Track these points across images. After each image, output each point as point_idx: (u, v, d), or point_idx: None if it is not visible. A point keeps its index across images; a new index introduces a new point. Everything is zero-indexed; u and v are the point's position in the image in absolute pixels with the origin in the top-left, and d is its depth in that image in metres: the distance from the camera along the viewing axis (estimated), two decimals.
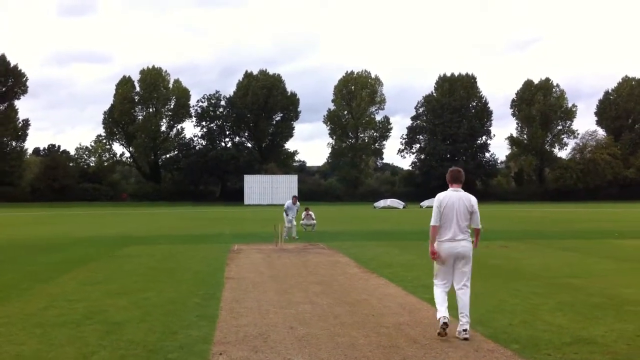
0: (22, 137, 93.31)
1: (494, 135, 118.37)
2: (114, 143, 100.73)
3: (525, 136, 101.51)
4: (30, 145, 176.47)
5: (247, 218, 41.62)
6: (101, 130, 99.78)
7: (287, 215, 22.16)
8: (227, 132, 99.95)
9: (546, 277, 11.43)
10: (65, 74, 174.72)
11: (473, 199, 7.30)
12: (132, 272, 12.46)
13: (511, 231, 25.33)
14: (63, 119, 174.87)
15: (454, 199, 7.23)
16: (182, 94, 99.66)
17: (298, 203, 23.23)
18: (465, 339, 6.60)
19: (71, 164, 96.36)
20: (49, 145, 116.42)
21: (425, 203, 71.72)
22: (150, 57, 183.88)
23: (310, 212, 25.91)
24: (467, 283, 7.08)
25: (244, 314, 8.03)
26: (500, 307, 8.43)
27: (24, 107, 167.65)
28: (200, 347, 6.27)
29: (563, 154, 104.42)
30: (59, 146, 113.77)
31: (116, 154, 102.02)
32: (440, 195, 7.33)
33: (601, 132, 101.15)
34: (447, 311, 6.85)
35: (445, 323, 6.73)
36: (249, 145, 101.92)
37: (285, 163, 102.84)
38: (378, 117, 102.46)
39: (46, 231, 26.99)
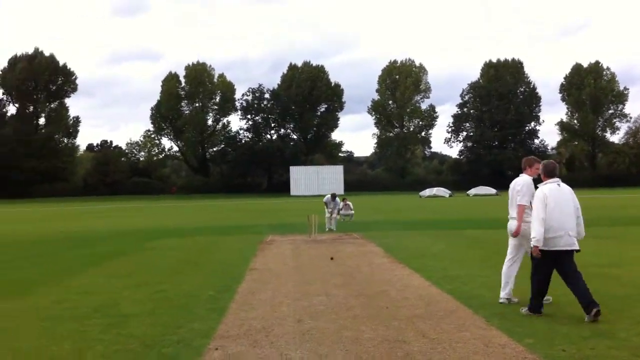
0: (74, 134, 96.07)
1: (543, 121, 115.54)
2: (163, 138, 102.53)
3: (575, 121, 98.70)
4: (86, 142, 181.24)
5: (289, 209, 41.57)
6: (150, 126, 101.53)
7: (327, 208, 22.06)
8: (273, 125, 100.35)
9: (579, 265, 10.86)
10: (119, 73, 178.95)
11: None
12: (158, 265, 12.44)
13: None
14: (117, 116, 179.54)
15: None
16: (227, 88, 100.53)
17: (338, 200, 22.96)
18: None
19: (122, 159, 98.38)
20: (101, 142, 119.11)
21: (472, 191, 70.60)
22: (201, 53, 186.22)
23: (348, 202, 25.66)
24: None
25: (256, 307, 7.84)
26: (522, 299, 8.00)
27: (78, 105, 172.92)
28: (198, 342, 6.10)
29: (615, 138, 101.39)
30: (111, 142, 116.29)
31: (165, 148, 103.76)
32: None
33: None
34: None
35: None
36: (295, 137, 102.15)
37: (331, 154, 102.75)
38: (423, 106, 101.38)
39: (88, 225, 27.48)
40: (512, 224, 7.96)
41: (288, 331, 6.52)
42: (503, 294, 7.98)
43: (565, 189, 7.18)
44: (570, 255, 7.10)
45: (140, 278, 10.53)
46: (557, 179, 7.24)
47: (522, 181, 7.80)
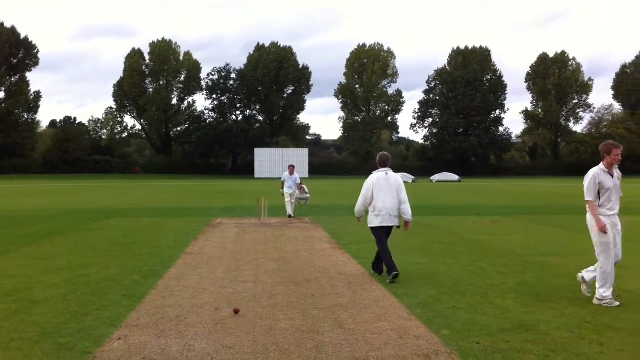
0: (34, 109, 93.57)
1: (508, 109, 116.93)
2: (126, 116, 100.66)
3: (540, 110, 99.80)
4: (51, 118, 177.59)
5: (250, 191, 41.07)
6: (113, 103, 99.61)
7: (284, 187, 20.90)
8: (238, 105, 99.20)
9: (519, 255, 10.83)
10: (90, 49, 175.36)
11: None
12: (91, 247, 12.00)
13: (509, 206, 24.66)
14: (85, 93, 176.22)
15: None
16: (193, 66, 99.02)
17: (296, 174, 21.11)
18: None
19: (85, 137, 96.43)
20: (64, 118, 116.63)
21: (436, 177, 70.97)
22: (174, 31, 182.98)
23: (303, 186, 25.34)
24: None
25: (176, 293, 7.54)
26: (453, 288, 7.86)
27: (45, 80, 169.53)
28: (102, 331, 5.78)
29: (578, 128, 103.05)
30: (74, 118, 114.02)
31: (127, 126, 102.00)
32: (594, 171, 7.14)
33: (617, 107, 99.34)
34: None
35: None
36: (260, 118, 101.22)
37: (297, 136, 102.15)
38: (390, 91, 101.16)
39: (37, 203, 26.71)
40: (587, 219, 7.30)
41: (201, 320, 6.25)
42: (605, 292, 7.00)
43: (392, 177, 8.75)
44: (389, 230, 8.78)
45: (66, 261, 10.11)
46: (387, 169, 8.82)
47: (588, 174, 7.14)
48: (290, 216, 19.21)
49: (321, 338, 5.63)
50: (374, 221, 8.70)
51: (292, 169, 21.10)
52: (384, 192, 8.61)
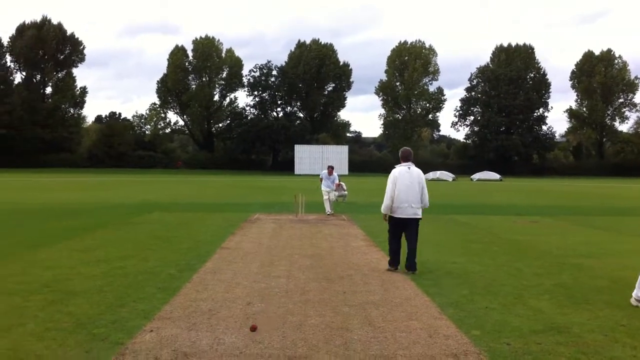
0: (80, 104, 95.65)
1: (552, 107, 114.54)
2: (169, 112, 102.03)
3: (584, 109, 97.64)
4: (97, 113, 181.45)
5: (289, 187, 41.18)
6: (157, 99, 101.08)
7: (322, 185, 20.73)
8: (279, 102, 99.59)
9: (556, 256, 10.64)
10: (135, 45, 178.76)
11: None
12: (131, 240, 12.25)
13: (550, 206, 24.25)
14: (130, 89, 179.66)
15: None
16: (235, 63, 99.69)
17: (335, 175, 21.21)
18: None
19: (130, 132, 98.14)
20: (110, 113, 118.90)
21: (476, 176, 70.18)
22: (217, 28, 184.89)
23: (341, 183, 25.32)
24: None
25: (210, 287, 7.64)
26: (487, 288, 7.77)
27: (92, 75, 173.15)
28: (134, 323, 5.90)
29: (624, 127, 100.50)
30: (119, 114, 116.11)
31: (170, 122, 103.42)
32: None
33: None
34: None
35: None
36: (301, 115, 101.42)
37: (337, 134, 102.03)
38: (431, 88, 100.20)
39: (81, 197, 27.30)
40: None
41: (233, 314, 6.32)
42: None
43: (414, 171, 9.01)
44: (411, 223, 8.99)
45: (106, 253, 10.32)
46: (409, 163, 9.08)
47: None
48: (329, 214, 19.20)
49: (350, 335, 5.64)
50: (396, 212, 8.95)
51: (331, 169, 21.01)
52: (406, 185, 8.87)
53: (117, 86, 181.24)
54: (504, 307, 6.73)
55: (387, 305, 6.82)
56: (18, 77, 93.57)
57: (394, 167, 9.19)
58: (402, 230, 9.04)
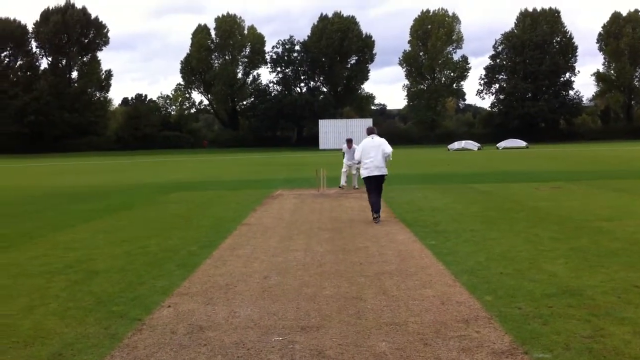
0: (106, 87, 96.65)
1: (579, 72, 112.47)
2: (193, 91, 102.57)
3: (612, 72, 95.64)
4: (125, 95, 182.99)
5: (314, 162, 41.23)
6: (181, 80, 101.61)
7: (345, 158, 20.21)
8: (302, 77, 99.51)
9: (577, 220, 10.58)
10: (160, 26, 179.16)
11: None
12: (155, 219, 12.49)
13: (574, 172, 24.03)
14: (157, 70, 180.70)
15: None
16: (257, 40, 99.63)
17: (355, 146, 20.92)
18: None
19: (156, 113, 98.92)
20: (135, 95, 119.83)
21: (502, 144, 69.44)
22: (242, 5, 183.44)
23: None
24: None
25: (229, 263, 7.78)
26: (503, 254, 7.79)
27: (119, 58, 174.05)
28: (153, 299, 6.05)
29: None
30: (145, 95, 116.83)
31: (195, 102, 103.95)
32: None
33: None
34: None
35: None
36: (324, 90, 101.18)
37: (361, 107, 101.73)
38: (455, 57, 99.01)
39: (108, 179, 27.74)
40: None
41: (249, 288, 6.45)
42: None
43: (376, 139, 11.45)
44: (378, 180, 11.37)
45: (129, 233, 10.54)
46: (373, 135, 11.59)
47: None
48: (341, 187, 19.04)
49: (363, 304, 5.73)
50: (363, 172, 11.39)
51: (350, 142, 20.61)
52: (371, 151, 11.23)
53: (144, 68, 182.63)
54: (518, 273, 6.75)
55: (402, 275, 6.89)
56: (44, 63, 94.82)
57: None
58: (375, 186, 11.27)
